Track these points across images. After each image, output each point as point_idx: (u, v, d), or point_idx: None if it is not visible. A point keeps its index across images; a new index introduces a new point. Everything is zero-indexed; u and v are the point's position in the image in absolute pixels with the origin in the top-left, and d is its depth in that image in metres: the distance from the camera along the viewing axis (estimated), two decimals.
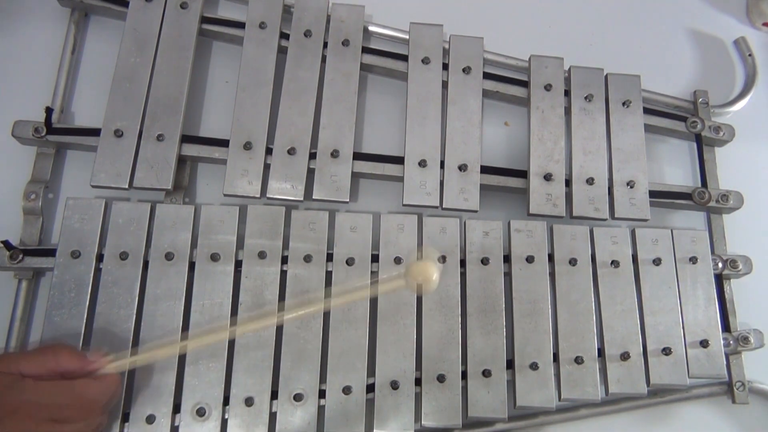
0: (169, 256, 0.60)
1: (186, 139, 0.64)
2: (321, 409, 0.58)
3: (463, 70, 0.69)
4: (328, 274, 0.61)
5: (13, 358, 0.49)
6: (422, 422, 0.58)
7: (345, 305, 0.59)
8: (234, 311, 0.59)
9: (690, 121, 0.72)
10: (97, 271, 0.59)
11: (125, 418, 0.56)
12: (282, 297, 0.60)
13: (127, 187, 0.61)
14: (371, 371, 0.59)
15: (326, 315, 0.60)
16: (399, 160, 0.65)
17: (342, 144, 0.64)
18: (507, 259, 0.64)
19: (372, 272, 0.61)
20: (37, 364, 0.48)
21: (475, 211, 0.65)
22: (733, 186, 0.70)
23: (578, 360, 0.61)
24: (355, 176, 0.65)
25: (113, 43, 0.66)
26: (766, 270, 0.70)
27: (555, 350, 0.62)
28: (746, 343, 0.65)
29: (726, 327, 0.66)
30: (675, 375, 0.62)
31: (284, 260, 0.61)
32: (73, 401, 0.48)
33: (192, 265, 0.60)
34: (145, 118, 0.63)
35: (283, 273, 0.61)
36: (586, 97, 0.70)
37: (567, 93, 0.70)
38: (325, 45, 0.68)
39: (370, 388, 0.59)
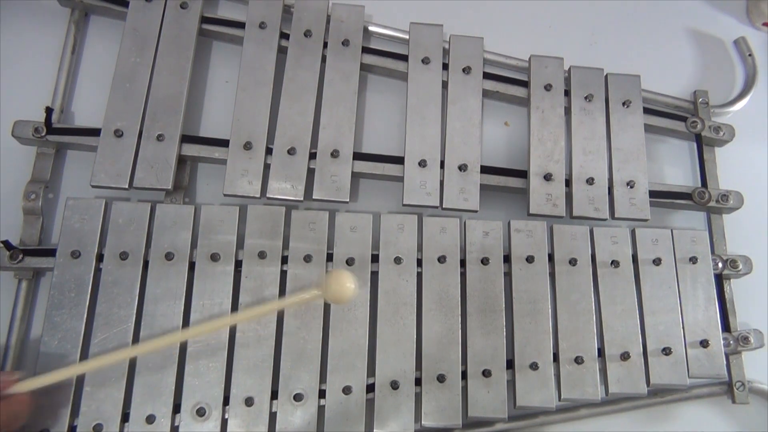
0: (169, 256, 0.60)
1: (186, 139, 0.64)
2: (321, 409, 0.58)
3: (463, 70, 0.69)
4: None
5: None
6: (422, 422, 0.58)
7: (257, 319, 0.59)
8: (234, 311, 0.59)
9: (690, 121, 0.72)
10: (97, 271, 0.59)
11: (125, 418, 0.56)
12: (282, 297, 0.60)
13: (127, 187, 0.61)
14: (371, 371, 0.59)
15: (326, 315, 0.60)
16: (399, 160, 0.65)
17: (342, 144, 0.64)
18: (507, 259, 0.64)
19: (372, 272, 0.62)
20: None
21: (475, 211, 0.65)
22: (733, 186, 0.70)
23: (578, 360, 0.61)
24: (355, 176, 0.65)
25: (113, 43, 0.66)
26: (766, 270, 0.70)
27: (555, 350, 0.62)
28: (746, 343, 0.65)
29: (726, 327, 0.66)
30: (675, 375, 0.62)
31: (284, 260, 0.61)
32: None
33: (192, 265, 0.60)
34: (145, 118, 0.63)
35: (283, 273, 0.61)
36: (586, 97, 0.70)
37: (567, 93, 0.70)
38: (325, 45, 0.68)
39: (370, 388, 0.59)
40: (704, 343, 0.63)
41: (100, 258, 0.59)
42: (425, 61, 0.68)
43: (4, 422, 0.49)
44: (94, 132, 0.62)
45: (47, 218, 0.63)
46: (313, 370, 0.58)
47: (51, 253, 0.59)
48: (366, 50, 0.69)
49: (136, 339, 0.57)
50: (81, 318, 0.57)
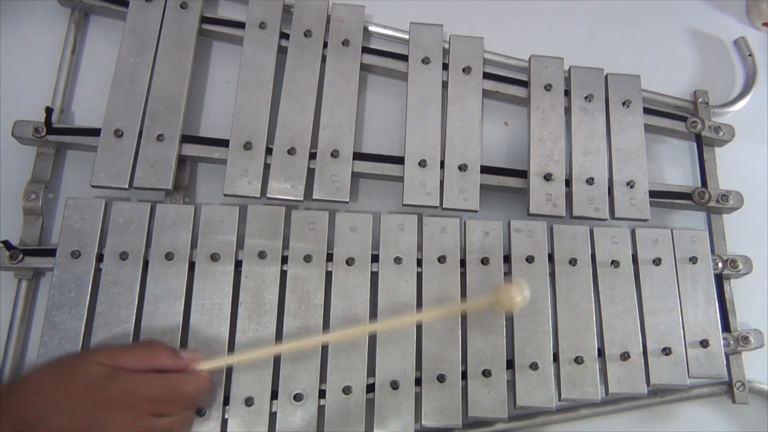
0: (169, 256, 0.60)
1: (186, 139, 0.64)
2: (321, 409, 0.58)
3: (463, 70, 0.69)
4: (328, 274, 0.61)
5: (112, 351, 0.51)
6: (422, 422, 0.58)
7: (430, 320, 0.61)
8: (234, 311, 0.59)
9: (690, 121, 0.72)
10: (97, 271, 0.59)
11: None
12: (282, 297, 0.60)
13: (127, 187, 0.61)
14: (371, 371, 0.59)
15: (326, 316, 0.60)
16: (399, 160, 0.65)
17: (342, 144, 0.64)
18: (507, 259, 0.64)
19: (372, 272, 0.62)
20: (134, 358, 0.50)
21: (475, 211, 0.64)
22: (733, 186, 0.70)
23: (578, 360, 0.61)
24: (355, 176, 0.65)
25: (113, 43, 0.66)
26: (766, 270, 0.70)
27: (555, 350, 0.62)
28: (746, 343, 0.65)
29: (726, 327, 0.66)
30: (675, 375, 0.62)
31: (284, 260, 0.61)
32: (168, 395, 0.50)
33: (192, 265, 0.60)
34: (145, 118, 0.63)
35: (283, 273, 0.61)
36: (586, 97, 0.70)
37: (567, 93, 0.70)
38: (325, 45, 0.68)
39: (370, 388, 0.59)
40: (704, 343, 0.63)
41: (100, 258, 0.59)
42: (425, 61, 0.68)
43: (190, 395, 0.52)
44: (94, 132, 0.62)
45: (47, 218, 0.63)
46: (313, 370, 0.58)
47: (51, 253, 0.59)
48: (366, 50, 0.69)
49: (136, 339, 0.57)
50: (81, 318, 0.57)
